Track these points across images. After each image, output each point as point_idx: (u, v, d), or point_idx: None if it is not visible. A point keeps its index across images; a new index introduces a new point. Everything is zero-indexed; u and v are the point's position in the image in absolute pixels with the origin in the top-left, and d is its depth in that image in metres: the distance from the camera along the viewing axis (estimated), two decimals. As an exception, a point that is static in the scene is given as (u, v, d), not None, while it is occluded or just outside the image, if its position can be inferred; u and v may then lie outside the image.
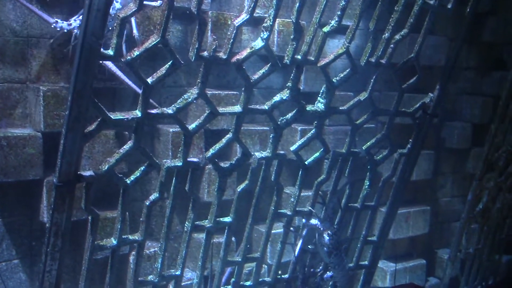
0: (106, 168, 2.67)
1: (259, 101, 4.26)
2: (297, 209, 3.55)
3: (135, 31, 3.53)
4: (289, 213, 3.54)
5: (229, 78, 4.27)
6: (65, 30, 3.30)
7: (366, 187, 3.81)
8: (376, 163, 3.79)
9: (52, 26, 3.28)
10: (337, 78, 3.31)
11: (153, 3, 3.49)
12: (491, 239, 5.16)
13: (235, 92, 4.04)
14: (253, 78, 2.96)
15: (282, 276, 3.69)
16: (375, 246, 4.10)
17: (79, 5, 3.40)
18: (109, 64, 3.37)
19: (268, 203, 3.52)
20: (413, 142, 3.88)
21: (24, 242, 3.50)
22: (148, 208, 2.93)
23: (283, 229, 3.60)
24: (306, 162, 3.46)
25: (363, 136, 4.37)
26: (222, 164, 3.13)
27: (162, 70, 2.65)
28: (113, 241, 2.89)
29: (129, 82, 3.46)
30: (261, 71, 2.99)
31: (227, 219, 3.29)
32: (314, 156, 3.51)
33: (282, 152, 3.33)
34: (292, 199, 3.54)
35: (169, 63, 2.64)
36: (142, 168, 2.83)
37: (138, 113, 2.65)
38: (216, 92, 3.93)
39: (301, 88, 3.47)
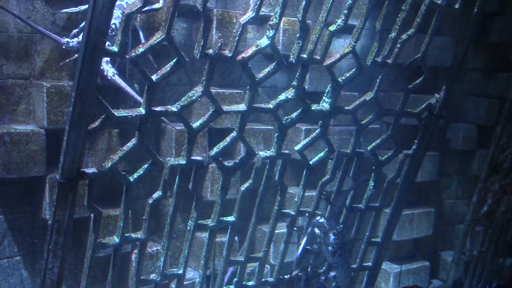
0: (109, 165, 2.65)
1: (263, 100, 4.23)
2: (301, 209, 3.52)
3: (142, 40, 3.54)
4: (292, 213, 3.52)
5: (234, 76, 4.25)
6: (76, 49, 3.31)
7: (371, 188, 3.79)
8: (381, 164, 3.77)
9: (64, 47, 3.30)
10: (343, 77, 3.29)
11: (156, 5, 3.49)
12: (496, 242, 5.12)
13: (239, 91, 4.02)
14: (258, 77, 2.94)
15: (285, 276, 3.67)
16: (379, 247, 4.07)
17: None
18: (107, 68, 3.36)
19: (271, 202, 3.50)
20: (419, 143, 3.85)
21: (26, 239, 3.48)
22: (151, 206, 2.91)
23: (286, 229, 3.58)
24: (310, 162, 3.44)
25: (367, 137, 4.35)
26: (226, 163, 3.11)
27: (167, 68, 2.63)
28: (116, 239, 2.87)
29: (132, 93, 3.44)
30: (266, 70, 2.97)
31: (231, 218, 3.27)
32: (319, 156, 3.48)
33: (286, 151, 3.31)
34: (296, 199, 3.51)
35: (173, 61, 2.62)
36: (145, 166, 2.82)
37: (142, 110, 2.63)
38: (220, 90, 3.91)
39: (306, 87, 3.44)
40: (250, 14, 2.76)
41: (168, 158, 2.94)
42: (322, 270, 3.74)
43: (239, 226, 3.33)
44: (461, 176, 5.68)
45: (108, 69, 3.34)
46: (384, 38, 3.32)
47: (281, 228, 3.82)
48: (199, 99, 2.83)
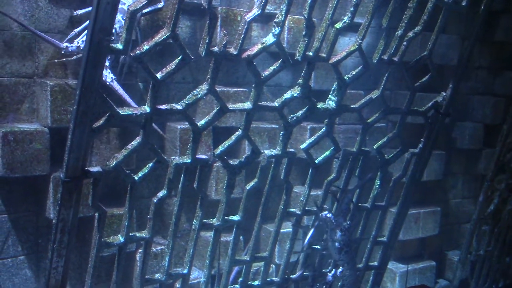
0: (114, 164, 2.63)
1: (267, 98, 4.21)
2: (306, 208, 3.50)
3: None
4: (298, 212, 3.50)
5: (238, 75, 4.22)
6: (75, 53, 3.29)
7: (377, 187, 3.76)
8: (387, 163, 3.74)
9: (62, 52, 3.28)
10: (349, 75, 3.26)
11: (159, 5, 3.47)
12: (502, 241, 5.09)
13: (243, 89, 4.00)
14: (263, 75, 2.92)
15: (291, 276, 3.65)
16: (385, 246, 4.05)
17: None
18: (105, 74, 3.34)
19: (277, 201, 3.47)
20: (425, 142, 3.82)
21: (30, 239, 3.47)
22: (156, 205, 2.89)
23: (292, 228, 3.55)
24: (316, 161, 3.41)
25: (373, 136, 4.32)
26: (231, 162, 3.09)
27: (172, 65, 2.61)
28: (120, 238, 2.85)
29: (129, 100, 3.42)
30: (272, 68, 2.95)
31: (236, 217, 3.25)
32: (325, 154, 3.46)
33: (292, 150, 3.29)
34: (301, 198, 3.49)
35: (178, 58, 2.60)
36: (150, 164, 2.80)
37: (146, 108, 2.61)
38: (225, 89, 3.89)
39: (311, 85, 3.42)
40: (255, 11, 2.74)
41: (173, 157, 2.92)
42: (328, 270, 3.72)
43: (244, 225, 3.31)
44: (467, 175, 5.64)
45: (106, 74, 3.32)
46: (390, 36, 3.30)
47: (287, 228, 3.80)
48: (204, 97, 2.81)
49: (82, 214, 3.17)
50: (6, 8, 3.22)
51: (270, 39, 2.84)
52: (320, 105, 3.24)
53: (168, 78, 2.64)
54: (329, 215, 3.43)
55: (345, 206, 3.56)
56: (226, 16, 3.90)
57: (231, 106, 2.91)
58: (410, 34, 3.36)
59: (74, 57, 3.33)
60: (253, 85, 2.94)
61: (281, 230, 3.51)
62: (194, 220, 3.10)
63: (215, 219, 3.18)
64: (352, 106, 3.41)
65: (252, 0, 4.12)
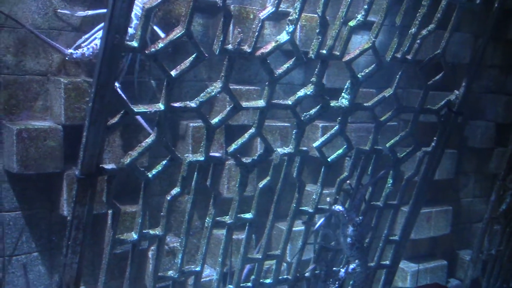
0: (128, 161, 2.64)
1: (280, 96, 4.21)
2: (318, 206, 3.50)
3: None
4: (310, 210, 3.49)
5: (250, 73, 4.22)
6: (80, 58, 3.29)
7: (389, 185, 3.75)
8: (399, 161, 3.73)
9: (67, 58, 3.29)
10: (361, 74, 3.25)
11: None
12: (514, 241, 5.07)
13: (256, 88, 4.00)
14: (277, 73, 2.91)
15: (304, 274, 3.65)
16: (397, 245, 4.04)
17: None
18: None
19: (289, 200, 3.47)
20: (437, 140, 3.81)
21: (44, 235, 3.48)
22: (169, 203, 2.90)
23: (304, 227, 3.55)
24: (328, 159, 3.41)
25: (384, 134, 4.30)
26: (243, 160, 3.09)
27: (186, 63, 2.61)
28: (134, 235, 2.86)
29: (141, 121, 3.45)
30: (285, 66, 2.94)
31: (248, 215, 3.25)
32: (337, 153, 3.45)
33: (304, 148, 3.28)
34: (313, 197, 3.49)
35: (193, 56, 2.60)
36: (163, 162, 2.80)
37: (161, 106, 2.61)
38: (237, 87, 3.88)
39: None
40: (269, 9, 2.74)
41: (187, 155, 2.92)
42: (340, 267, 3.71)
43: (256, 223, 3.31)
44: (479, 174, 5.62)
45: None
46: (404, 34, 3.28)
47: (299, 226, 3.80)
48: (218, 95, 2.81)
49: (96, 211, 3.18)
50: (20, 6, 3.24)
51: (284, 37, 2.84)
52: (333, 103, 3.23)
53: (182, 76, 2.64)
54: (341, 208, 3.43)
55: (358, 202, 3.55)
56: (239, 14, 3.90)
57: (244, 104, 2.91)
58: (424, 32, 3.34)
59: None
60: (267, 83, 2.94)
61: (293, 229, 3.51)
62: (207, 218, 3.10)
63: (227, 217, 3.18)
64: (365, 105, 3.40)
65: (264, -2, 4.12)
